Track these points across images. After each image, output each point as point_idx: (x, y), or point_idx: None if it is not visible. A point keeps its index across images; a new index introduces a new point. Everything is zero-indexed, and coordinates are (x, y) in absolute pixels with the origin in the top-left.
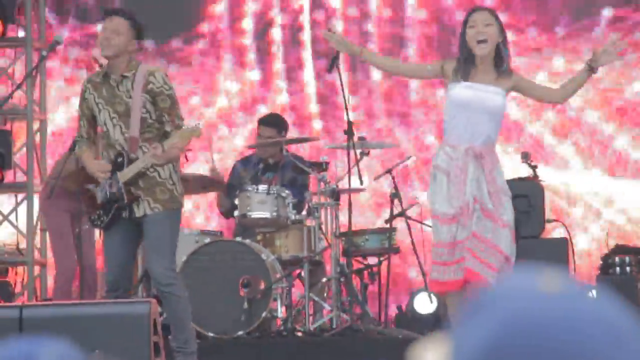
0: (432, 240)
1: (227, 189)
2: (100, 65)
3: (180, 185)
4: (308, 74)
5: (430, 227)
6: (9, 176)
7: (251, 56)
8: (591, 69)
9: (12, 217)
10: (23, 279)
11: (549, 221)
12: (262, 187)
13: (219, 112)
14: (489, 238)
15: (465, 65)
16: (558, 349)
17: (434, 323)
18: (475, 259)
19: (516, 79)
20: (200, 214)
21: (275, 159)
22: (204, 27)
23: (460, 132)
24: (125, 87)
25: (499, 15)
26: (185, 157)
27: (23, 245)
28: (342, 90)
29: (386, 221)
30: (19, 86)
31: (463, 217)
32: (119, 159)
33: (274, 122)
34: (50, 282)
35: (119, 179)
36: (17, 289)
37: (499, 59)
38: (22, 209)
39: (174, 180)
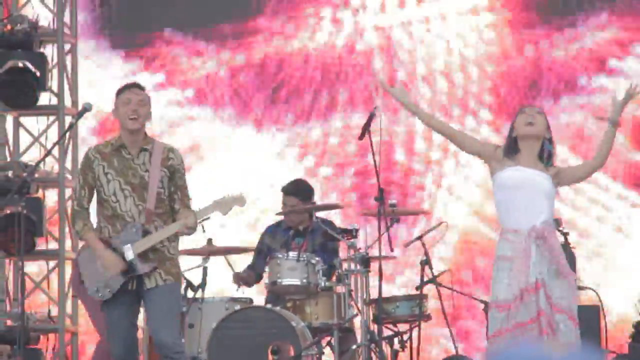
0: (487, 333)
1: (255, 255)
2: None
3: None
4: None
5: (462, 293)
6: (40, 243)
7: None
8: (614, 124)
9: (43, 285)
10: (55, 347)
11: (581, 288)
12: (292, 254)
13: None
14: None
15: (511, 150)
16: None
17: None
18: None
19: (557, 170)
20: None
21: (304, 225)
22: None
23: (519, 214)
24: (142, 160)
25: None
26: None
27: (54, 312)
28: (374, 156)
29: (417, 288)
30: (48, 152)
31: (525, 298)
32: (133, 230)
33: (295, 191)
34: (89, 350)
35: (134, 250)
36: (49, 357)
37: (543, 152)
38: (54, 276)
39: (177, 257)
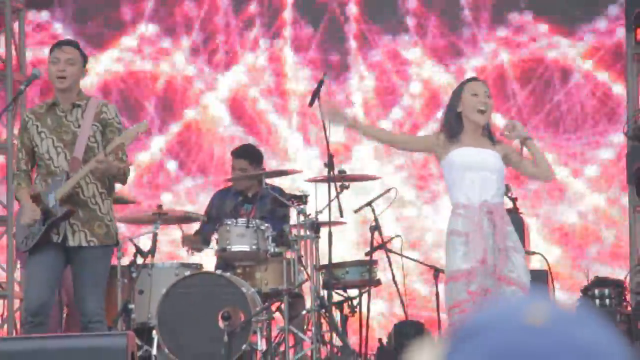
0: (445, 304)
1: (205, 220)
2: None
3: (116, 224)
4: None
5: (411, 259)
6: None
7: None
8: (523, 142)
9: None
10: (3, 313)
11: (529, 253)
12: (242, 221)
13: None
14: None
15: (454, 131)
16: None
17: None
18: None
19: (507, 149)
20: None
21: (253, 190)
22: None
23: (469, 191)
24: (74, 116)
25: None
26: (124, 172)
27: (3, 278)
28: (323, 123)
29: (366, 254)
30: (24, 129)
31: (483, 270)
32: (58, 178)
33: (245, 154)
34: None
35: (56, 196)
36: None
37: (489, 129)
38: (2, 243)
39: (112, 217)
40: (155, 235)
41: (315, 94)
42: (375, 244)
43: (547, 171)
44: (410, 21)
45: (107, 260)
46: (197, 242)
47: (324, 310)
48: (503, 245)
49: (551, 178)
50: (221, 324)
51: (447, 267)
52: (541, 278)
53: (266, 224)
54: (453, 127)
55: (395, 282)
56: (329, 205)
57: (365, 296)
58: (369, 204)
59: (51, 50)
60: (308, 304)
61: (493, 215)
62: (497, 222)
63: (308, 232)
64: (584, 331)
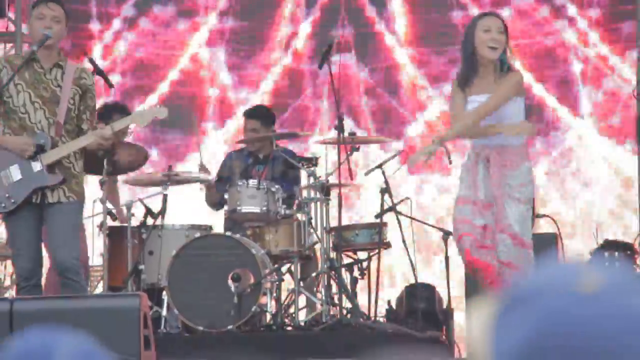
0: (453, 218)
1: (217, 180)
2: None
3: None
4: None
5: (421, 222)
6: None
7: None
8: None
9: None
10: (12, 274)
11: (539, 216)
12: (252, 182)
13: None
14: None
15: (469, 73)
16: (596, 350)
17: (426, 318)
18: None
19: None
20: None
21: (264, 152)
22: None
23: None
24: (54, 75)
25: None
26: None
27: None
28: (333, 86)
29: (376, 216)
30: (10, 79)
31: (476, 209)
32: (42, 141)
33: (258, 114)
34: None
35: (44, 161)
36: (6, 284)
37: (502, 64)
38: None
39: (83, 176)
40: (165, 197)
41: (324, 57)
42: (385, 206)
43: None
44: None
45: (81, 215)
46: (212, 195)
47: (333, 273)
48: (498, 192)
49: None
50: (231, 285)
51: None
52: (550, 241)
53: (277, 186)
54: (465, 73)
55: (405, 245)
56: (338, 167)
57: (375, 258)
58: (380, 166)
59: (35, 6)
60: (318, 266)
61: (489, 162)
62: (493, 168)
63: (318, 194)
64: (638, 299)
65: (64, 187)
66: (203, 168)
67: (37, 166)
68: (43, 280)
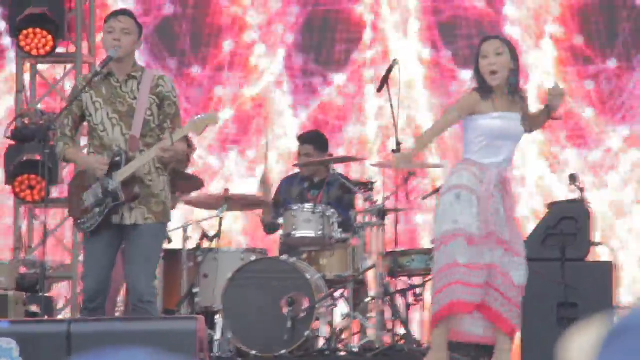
0: (455, 260)
1: (273, 206)
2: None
3: (170, 200)
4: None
5: None
6: (55, 192)
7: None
8: (549, 113)
9: (57, 233)
10: (67, 295)
11: (595, 244)
12: (308, 206)
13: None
14: (508, 273)
15: (486, 94)
16: None
17: (479, 345)
18: (505, 303)
19: (524, 106)
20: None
21: (320, 177)
22: None
23: (491, 156)
24: (129, 88)
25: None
26: (188, 158)
27: (68, 260)
28: (392, 110)
29: (432, 242)
30: (73, 100)
31: (490, 242)
32: (117, 158)
33: (312, 139)
34: None
35: (117, 178)
36: (60, 305)
37: (511, 87)
38: (68, 225)
39: (167, 194)
40: (221, 220)
41: (384, 80)
42: None
43: (537, 128)
44: None
45: (162, 238)
46: (270, 223)
47: (388, 298)
48: (512, 214)
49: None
50: (285, 309)
51: (454, 222)
52: (607, 270)
53: (332, 210)
54: (483, 87)
55: None
56: (395, 192)
57: (429, 284)
58: (437, 191)
59: (106, 20)
60: (371, 291)
61: (505, 184)
62: (507, 190)
63: (374, 219)
64: None
65: (142, 208)
66: (264, 181)
67: (112, 184)
68: None
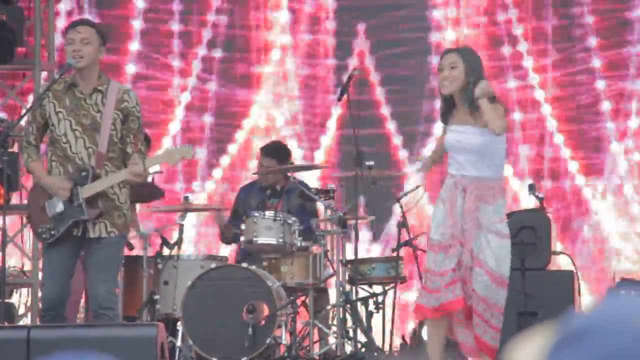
0: (424, 265)
1: (231, 215)
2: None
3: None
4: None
5: None
6: (15, 198)
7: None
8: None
9: (16, 239)
10: (27, 301)
11: (555, 253)
12: (269, 213)
13: None
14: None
15: (446, 108)
16: None
17: None
18: (480, 323)
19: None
20: (204, 239)
21: (280, 184)
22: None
23: (452, 166)
24: (94, 100)
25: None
26: (152, 179)
27: (28, 267)
28: (351, 119)
29: (393, 250)
30: (30, 108)
31: (452, 248)
32: (83, 173)
33: (273, 152)
34: None
35: (81, 194)
36: (21, 311)
37: (467, 100)
38: (27, 231)
39: (127, 206)
40: (181, 227)
41: (344, 89)
42: (401, 240)
43: (495, 126)
44: None
45: (122, 248)
46: (228, 232)
47: (349, 306)
48: (472, 223)
49: (497, 132)
50: (246, 317)
51: (431, 230)
52: (568, 279)
53: (293, 218)
54: (442, 107)
55: (421, 279)
56: (356, 200)
57: (390, 292)
58: (397, 200)
59: (66, 32)
60: (332, 299)
61: (466, 193)
62: (467, 199)
63: (335, 227)
64: None
65: (105, 222)
66: (219, 217)
67: (77, 199)
68: None
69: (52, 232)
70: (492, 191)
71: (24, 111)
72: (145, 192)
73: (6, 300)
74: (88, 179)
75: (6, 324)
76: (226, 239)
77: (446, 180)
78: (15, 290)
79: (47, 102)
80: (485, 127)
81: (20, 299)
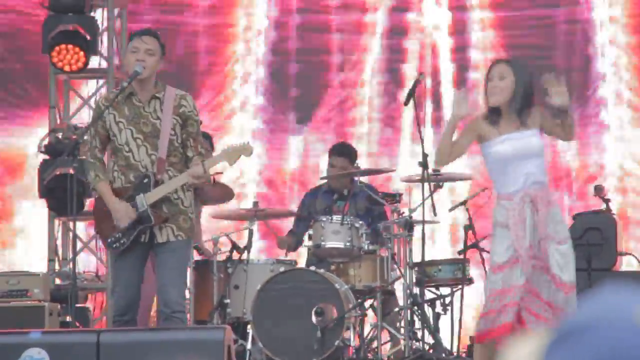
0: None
1: (296, 221)
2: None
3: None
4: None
5: None
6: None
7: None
8: (557, 112)
9: (91, 245)
10: (102, 305)
11: (621, 254)
12: (336, 217)
13: None
14: (542, 294)
15: (493, 117)
16: None
17: None
18: (533, 316)
19: (539, 115)
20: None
21: (347, 188)
22: None
23: (511, 183)
24: (152, 108)
25: None
26: (214, 179)
27: (102, 271)
28: (417, 122)
29: (459, 252)
30: (100, 115)
31: (522, 263)
32: (145, 180)
33: (345, 152)
34: None
35: (145, 201)
36: (96, 315)
37: (515, 109)
38: None
39: (193, 210)
40: (251, 232)
41: (411, 93)
42: (468, 242)
43: (570, 133)
44: None
45: (190, 252)
46: (291, 243)
47: (416, 308)
48: (545, 234)
49: (571, 139)
50: (314, 319)
51: (491, 259)
52: (634, 279)
53: (360, 221)
54: (492, 112)
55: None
56: (422, 204)
57: (457, 294)
58: (463, 203)
59: (130, 39)
60: (400, 301)
61: (535, 204)
62: (539, 209)
63: (402, 230)
64: None
65: (172, 226)
66: (282, 242)
67: (142, 206)
68: None
69: (122, 241)
70: (553, 194)
71: (96, 117)
72: (216, 193)
73: (82, 305)
74: (150, 185)
75: (78, 326)
76: (288, 246)
77: (501, 203)
78: (90, 295)
79: (107, 113)
80: (537, 128)
81: (95, 301)
